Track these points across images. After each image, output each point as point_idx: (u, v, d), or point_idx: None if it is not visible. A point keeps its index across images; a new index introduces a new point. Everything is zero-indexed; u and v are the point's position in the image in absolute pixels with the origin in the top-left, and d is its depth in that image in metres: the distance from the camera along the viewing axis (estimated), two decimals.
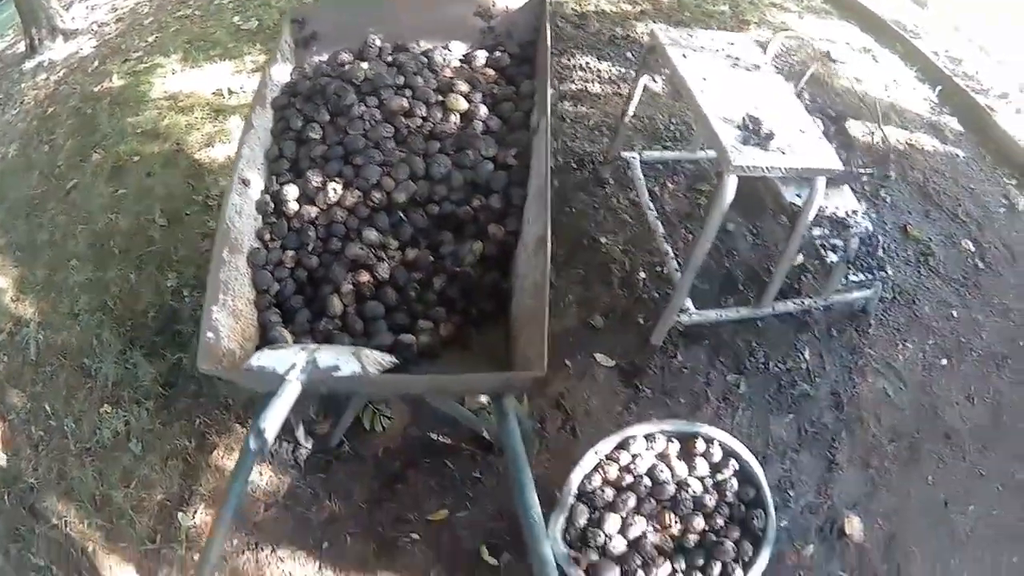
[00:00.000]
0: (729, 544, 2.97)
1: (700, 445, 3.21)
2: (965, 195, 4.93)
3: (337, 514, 2.97)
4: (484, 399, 3.29)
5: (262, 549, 2.87)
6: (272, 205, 2.52)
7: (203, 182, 4.56)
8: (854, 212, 3.79)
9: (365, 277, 2.40)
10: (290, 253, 2.45)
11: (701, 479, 3.16)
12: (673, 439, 3.24)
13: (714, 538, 3.01)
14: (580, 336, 3.87)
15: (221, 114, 5.07)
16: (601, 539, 2.97)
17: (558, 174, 4.48)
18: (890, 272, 3.98)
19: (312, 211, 2.53)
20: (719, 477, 3.17)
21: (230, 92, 5.06)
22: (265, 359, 1.95)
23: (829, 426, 3.89)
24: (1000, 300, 4.47)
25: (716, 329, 4.08)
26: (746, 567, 2.97)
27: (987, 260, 4.63)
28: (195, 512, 2.88)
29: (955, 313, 4.38)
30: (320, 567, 2.84)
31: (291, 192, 2.54)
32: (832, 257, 3.76)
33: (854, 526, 3.68)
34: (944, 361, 4.19)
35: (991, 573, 3.59)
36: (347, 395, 2.68)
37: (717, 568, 2.96)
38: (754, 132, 3.16)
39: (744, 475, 3.20)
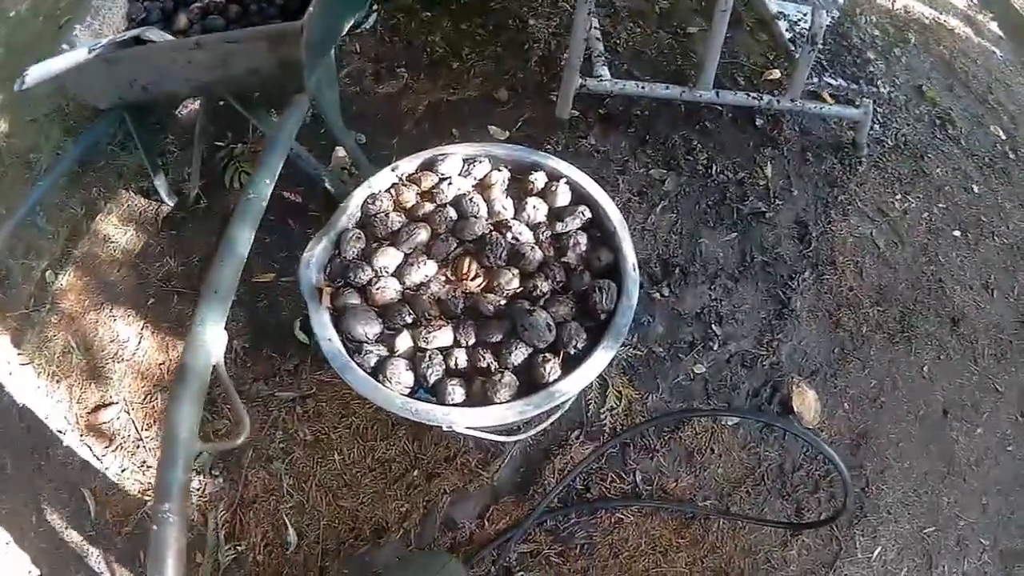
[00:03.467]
0: (542, 318, 1.25)
1: (538, 179, 1.49)
2: (999, 86, 3.09)
3: (173, 272, 2.08)
4: (342, 153, 2.21)
5: (104, 308, 2.03)
6: None
7: None
8: None
9: None
10: None
11: (534, 227, 1.43)
12: (503, 167, 1.53)
13: (526, 307, 1.28)
14: (478, 107, 2.35)
15: None
16: (365, 276, 1.33)
17: None
18: (884, 90, 2.22)
19: None
20: (560, 228, 1.43)
21: None
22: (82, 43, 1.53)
23: (787, 259, 2.14)
24: None
25: (646, 120, 2.34)
26: (567, 362, 1.25)
27: (1021, 154, 2.76)
28: (65, 274, 2.09)
29: (976, 188, 2.53)
30: (142, 327, 1.98)
31: None
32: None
33: (806, 401, 1.74)
34: (957, 232, 2.36)
35: (989, 526, 1.85)
36: (154, 95, 1.65)
37: (519, 352, 1.24)
38: None
39: (602, 234, 1.45)
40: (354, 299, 1.31)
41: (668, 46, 2.56)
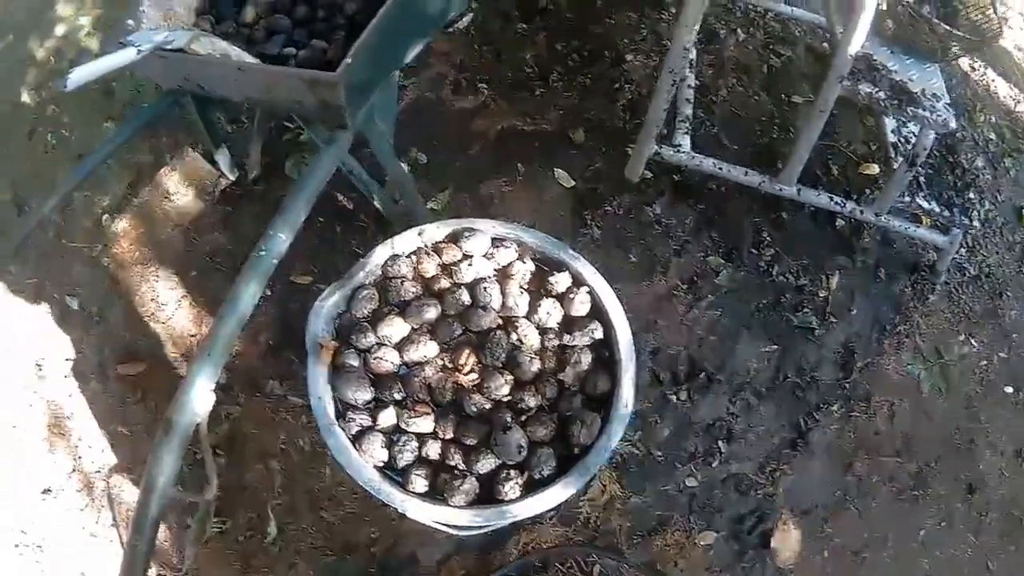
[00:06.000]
0: (515, 439, 1.22)
1: (560, 282, 1.41)
2: None
3: (220, 248, 2.06)
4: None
5: (150, 266, 2.04)
6: None
7: None
8: (934, 96, 1.85)
9: None
10: None
11: (543, 331, 1.37)
12: (528, 258, 1.46)
13: (505, 421, 1.24)
14: (550, 145, 2.23)
15: None
16: (368, 342, 1.31)
17: None
18: (976, 224, 2.13)
19: None
20: (567, 339, 1.36)
21: None
22: (136, 36, 1.44)
23: (820, 387, 1.98)
24: None
25: (722, 198, 2.19)
26: (528, 486, 1.22)
27: None
28: (121, 220, 2.10)
29: None
30: (182, 296, 2.00)
31: None
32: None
33: (787, 541, 1.67)
34: (1009, 388, 2.12)
35: None
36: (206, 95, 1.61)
37: (487, 462, 1.23)
38: None
39: (610, 355, 1.37)
40: (353, 360, 1.30)
41: (768, 113, 2.38)
